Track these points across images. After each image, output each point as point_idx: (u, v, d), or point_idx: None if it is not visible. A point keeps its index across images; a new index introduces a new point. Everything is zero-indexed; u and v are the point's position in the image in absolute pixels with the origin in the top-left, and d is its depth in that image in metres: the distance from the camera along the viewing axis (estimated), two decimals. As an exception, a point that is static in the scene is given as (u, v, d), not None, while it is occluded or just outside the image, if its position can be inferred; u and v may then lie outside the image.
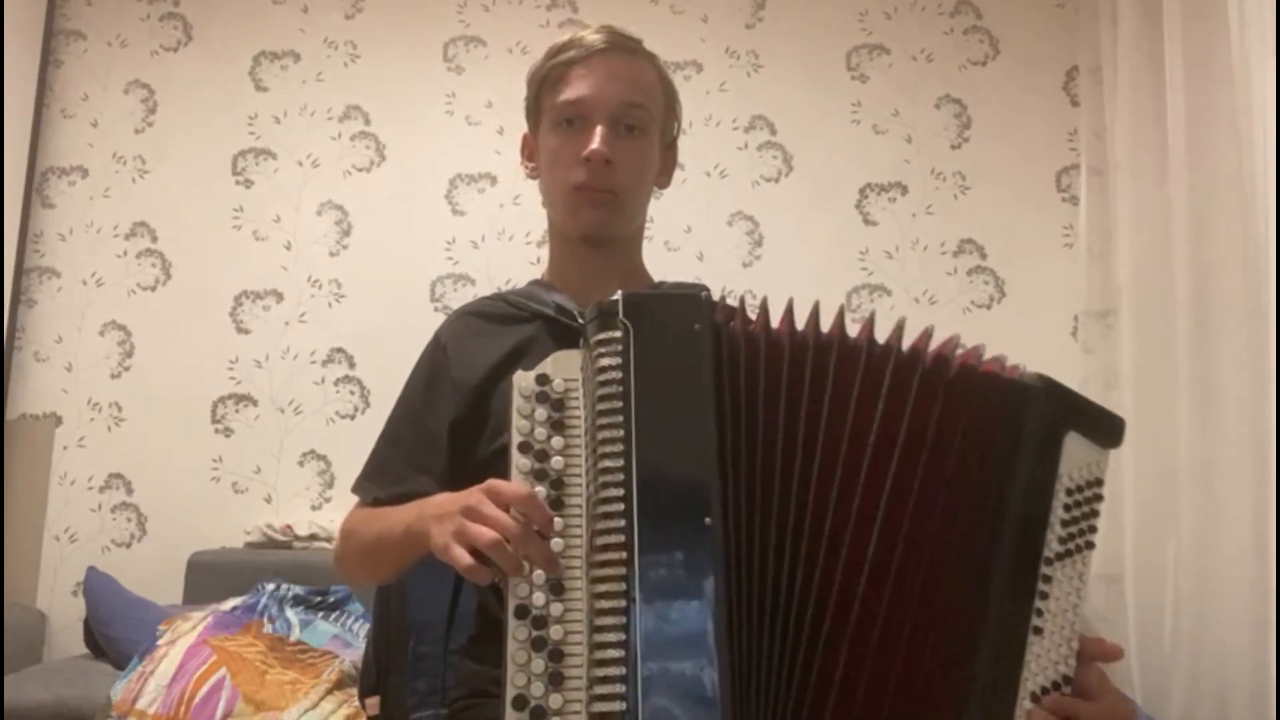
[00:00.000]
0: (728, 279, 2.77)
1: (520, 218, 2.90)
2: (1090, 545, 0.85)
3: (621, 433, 0.78)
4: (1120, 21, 2.55)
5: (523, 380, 0.82)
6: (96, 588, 2.43)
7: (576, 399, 0.82)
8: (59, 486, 2.83)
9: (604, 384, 0.79)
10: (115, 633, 2.31)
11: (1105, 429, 0.87)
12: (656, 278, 1.23)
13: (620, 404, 0.79)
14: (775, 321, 0.84)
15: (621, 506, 0.76)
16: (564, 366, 0.83)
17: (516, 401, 0.81)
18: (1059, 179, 2.88)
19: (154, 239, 2.94)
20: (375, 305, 2.89)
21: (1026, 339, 2.80)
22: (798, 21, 2.98)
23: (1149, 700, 2.25)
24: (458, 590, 1.06)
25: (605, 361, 0.80)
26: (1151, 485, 2.31)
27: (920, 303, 2.84)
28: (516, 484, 0.80)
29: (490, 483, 0.82)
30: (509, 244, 2.89)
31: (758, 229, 2.90)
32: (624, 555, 0.75)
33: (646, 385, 0.79)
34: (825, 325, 0.84)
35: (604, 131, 1.08)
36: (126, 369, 2.88)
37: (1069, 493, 0.84)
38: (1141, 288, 2.42)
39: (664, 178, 1.21)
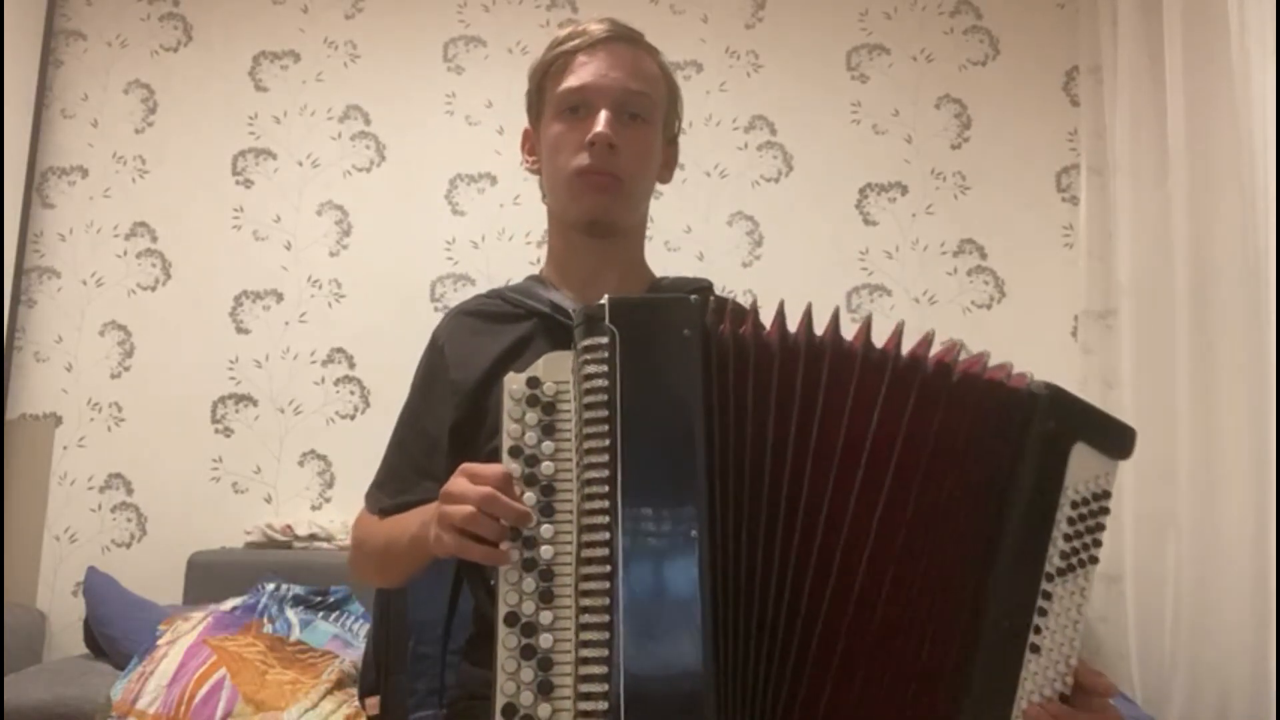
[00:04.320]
0: (728, 279, 2.77)
1: (520, 218, 2.90)
2: (1094, 560, 0.82)
3: (607, 442, 0.77)
4: (1120, 21, 2.56)
5: (513, 382, 0.81)
6: (96, 588, 2.42)
7: (568, 402, 0.81)
8: (59, 486, 2.83)
9: (590, 391, 0.78)
10: (115, 633, 2.31)
11: (1115, 440, 0.84)
12: (657, 275, 1.22)
13: (606, 412, 0.78)
14: (767, 325, 0.83)
15: (606, 519, 0.76)
16: (555, 368, 0.81)
17: (507, 404, 0.80)
18: (1059, 179, 2.88)
19: (154, 239, 2.94)
20: (375, 305, 2.89)
21: (1026, 339, 2.80)
22: (798, 21, 2.98)
23: (1149, 700, 2.25)
24: (456, 590, 1.06)
25: (591, 369, 0.79)
26: (1151, 485, 2.31)
27: (920, 303, 2.83)
28: (491, 465, 0.80)
29: (464, 465, 0.82)
30: (509, 244, 2.89)
31: (758, 229, 2.90)
32: (608, 569, 0.75)
33: (633, 393, 0.78)
34: (819, 327, 0.83)
35: (608, 116, 1.07)
36: (126, 369, 2.88)
37: (1074, 505, 0.81)
38: (1141, 288, 2.42)
39: (666, 172, 1.19)
